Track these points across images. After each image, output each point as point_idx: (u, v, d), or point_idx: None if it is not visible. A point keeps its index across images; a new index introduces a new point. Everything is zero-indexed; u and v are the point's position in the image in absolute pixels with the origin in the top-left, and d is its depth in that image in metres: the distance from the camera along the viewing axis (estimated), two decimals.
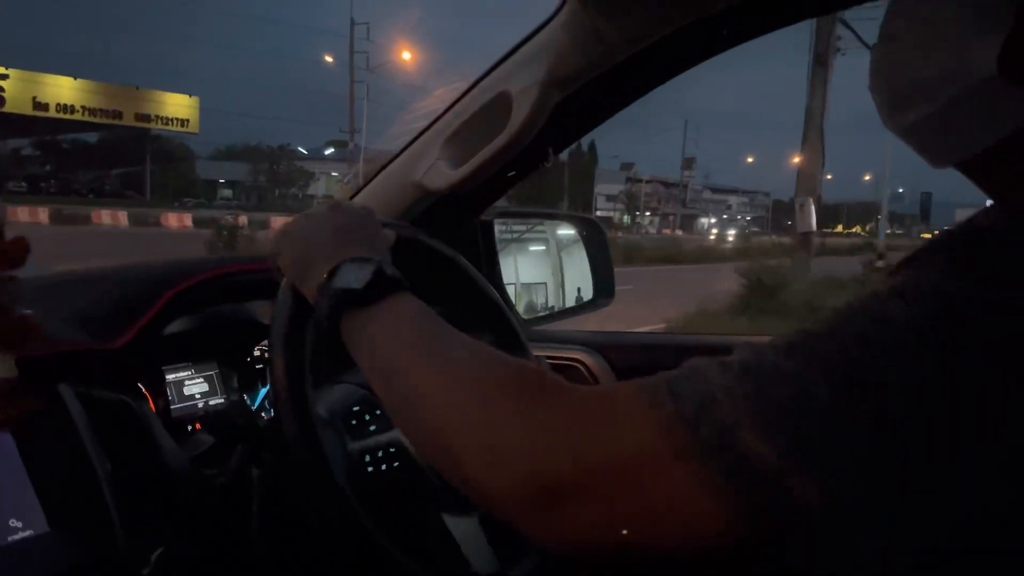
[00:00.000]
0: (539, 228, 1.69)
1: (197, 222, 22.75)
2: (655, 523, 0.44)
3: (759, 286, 10.54)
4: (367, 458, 0.84)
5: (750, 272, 10.77)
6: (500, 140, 1.10)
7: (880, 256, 16.20)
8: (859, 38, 11.45)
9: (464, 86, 1.18)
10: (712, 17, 1.01)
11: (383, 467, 0.85)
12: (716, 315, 9.97)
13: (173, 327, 1.00)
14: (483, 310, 1.06)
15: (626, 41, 1.02)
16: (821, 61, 12.15)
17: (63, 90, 37.29)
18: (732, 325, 9.36)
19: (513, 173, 1.24)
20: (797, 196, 12.19)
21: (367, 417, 0.87)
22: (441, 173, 1.19)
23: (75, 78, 38.25)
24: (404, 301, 0.63)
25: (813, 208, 11.78)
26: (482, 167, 1.14)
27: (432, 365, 0.56)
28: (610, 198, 68.00)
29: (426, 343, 0.58)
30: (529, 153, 1.14)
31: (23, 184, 40.74)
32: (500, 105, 1.10)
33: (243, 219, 15.05)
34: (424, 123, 1.24)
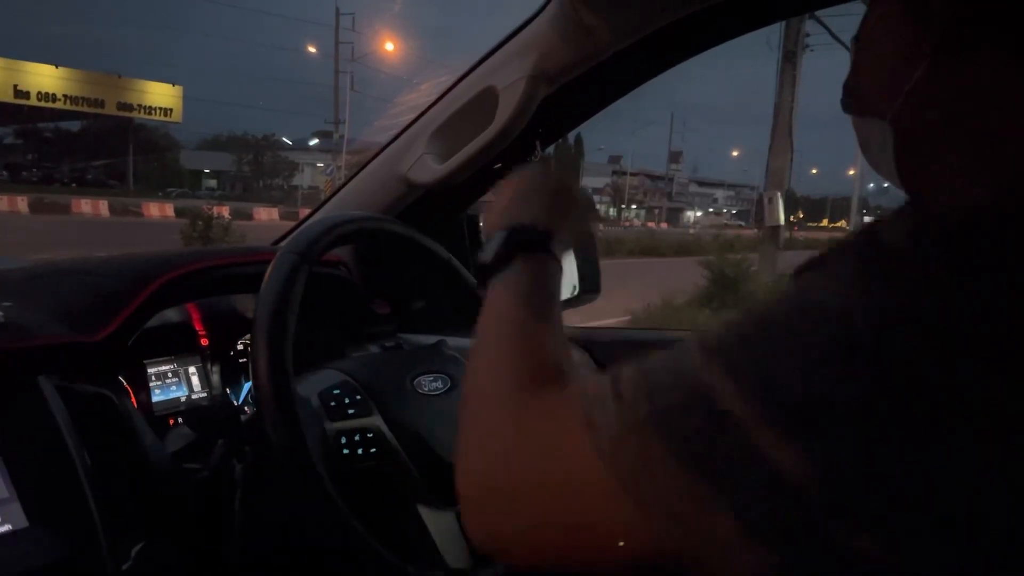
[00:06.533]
0: None
1: (180, 212, 22.56)
2: (579, 540, 0.44)
3: (722, 279, 10.69)
4: (343, 439, 0.84)
5: (713, 265, 10.89)
6: (487, 135, 1.09)
7: None
8: (832, 35, 11.49)
9: (451, 80, 1.18)
10: (701, 12, 1.00)
11: (359, 451, 0.85)
12: (679, 307, 10.09)
13: (155, 321, 0.99)
14: (472, 311, 1.06)
15: (615, 36, 1.02)
16: (790, 57, 12.19)
17: (44, 78, 36.84)
18: (695, 317, 9.48)
19: (500, 167, 1.24)
20: (766, 191, 12.27)
21: (346, 400, 0.87)
22: (427, 167, 1.18)
23: (56, 66, 37.78)
24: (512, 274, 0.67)
25: (781, 202, 11.87)
26: (469, 162, 1.14)
27: (487, 347, 0.60)
28: (596, 191, 68.11)
29: (501, 319, 0.63)
30: (516, 148, 1.13)
31: (4, 172, 40.33)
32: (487, 99, 1.10)
33: (224, 210, 14.73)
34: (410, 116, 1.23)
